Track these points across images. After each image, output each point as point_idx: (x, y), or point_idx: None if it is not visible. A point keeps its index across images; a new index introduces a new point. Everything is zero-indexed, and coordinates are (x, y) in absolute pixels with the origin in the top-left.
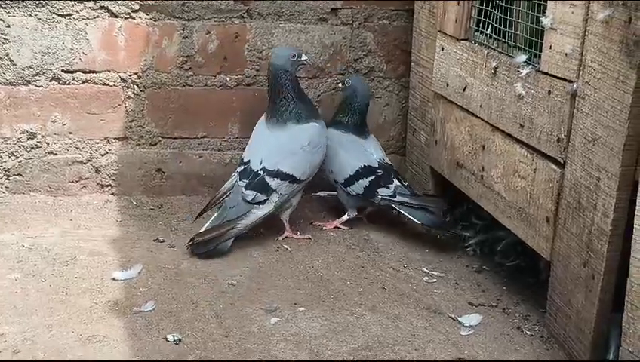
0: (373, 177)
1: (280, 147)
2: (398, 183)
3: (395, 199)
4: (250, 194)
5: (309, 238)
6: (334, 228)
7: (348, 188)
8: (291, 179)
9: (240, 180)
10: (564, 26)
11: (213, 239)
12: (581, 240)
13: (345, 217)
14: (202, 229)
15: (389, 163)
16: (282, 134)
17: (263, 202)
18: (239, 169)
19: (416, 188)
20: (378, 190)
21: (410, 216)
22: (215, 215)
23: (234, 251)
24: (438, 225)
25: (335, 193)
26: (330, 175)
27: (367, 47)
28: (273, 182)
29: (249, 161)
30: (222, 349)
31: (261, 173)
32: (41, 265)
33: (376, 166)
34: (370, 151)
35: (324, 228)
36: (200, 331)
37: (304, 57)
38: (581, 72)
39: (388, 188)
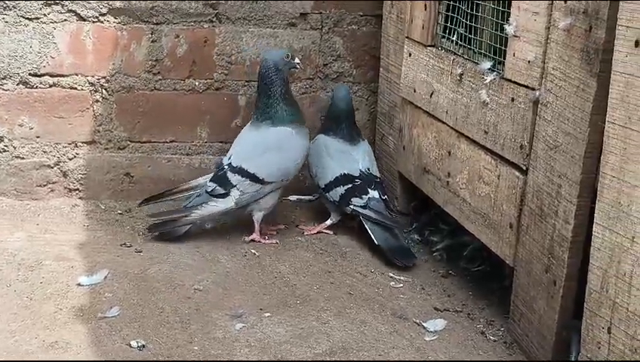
0: (349, 186)
1: (248, 146)
2: (376, 195)
3: (364, 212)
4: (211, 186)
5: (276, 243)
6: (318, 233)
7: (327, 193)
8: (253, 178)
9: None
10: (526, 33)
11: (167, 223)
12: (543, 247)
13: (328, 222)
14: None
15: (374, 173)
16: (255, 134)
17: (222, 196)
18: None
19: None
20: (352, 199)
21: (371, 233)
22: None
23: (201, 256)
24: (392, 250)
25: (306, 197)
26: (315, 178)
27: (337, 52)
28: (234, 178)
29: (225, 157)
30: (186, 355)
31: (226, 167)
32: (6, 270)
33: (357, 175)
34: (357, 159)
35: (306, 234)
36: (164, 337)
37: (297, 60)
38: (543, 80)
39: (361, 198)
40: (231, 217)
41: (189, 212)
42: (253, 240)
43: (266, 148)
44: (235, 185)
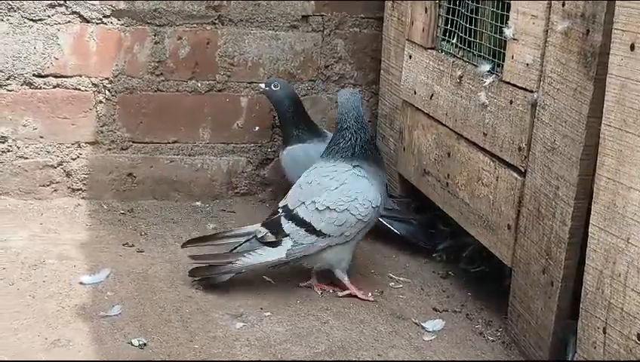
0: None
1: (306, 183)
2: None
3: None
4: (261, 231)
5: (374, 299)
6: None
7: None
8: (309, 228)
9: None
10: (525, 36)
11: (210, 268)
12: (540, 248)
13: None
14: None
15: None
16: (318, 169)
17: (272, 244)
18: None
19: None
20: None
21: (389, 226)
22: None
23: None
24: (414, 235)
25: None
26: None
27: (338, 54)
28: (287, 225)
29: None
30: (186, 354)
31: (280, 210)
32: (9, 269)
33: None
34: None
35: None
36: (165, 336)
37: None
38: (541, 82)
39: None
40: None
41: (235, 258)
42: (349, 295)
43: (323, 190)
44: (288, 234)
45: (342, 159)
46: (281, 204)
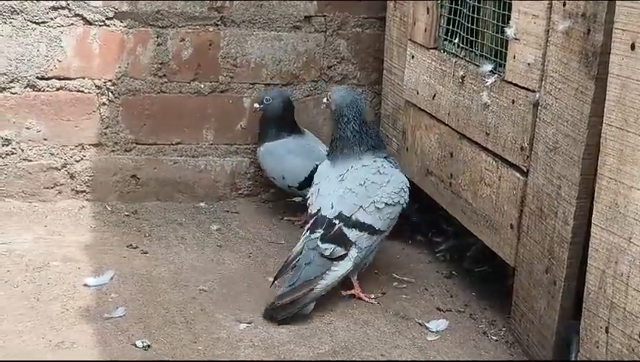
0: None
1: (359, 186)
2: None
3: None
4: (329, 248)
5: (377, 302)
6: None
7: (304, 190)
8: (370, 230)
9: (312, 232)
10: (526, 36)
11: (293, 303)
12: (543, 247)
13: None
14: (280, 292)
15: None
16: (360, 169)
17: (342, 257)
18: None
19: None
20: None
21: None
22: (289, 275)
23: (206, 257)
24: (412, 213)
25: None
26: (283, 181)
27: (341, 54)
28: (352, 233)
29: (319, 208)
30: (190, 355)
31: (337, 221)
32: (13, 271)
33: None
34: (319, 148)
35: (295, 223)
36: (169, 337)
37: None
38: (543, 82)
39: None
40: None
41: (314, 284)
42: (352, 296)
43: (378, 188)
44: (354, 242)
45: (369, 151)
46: (330, 216)
